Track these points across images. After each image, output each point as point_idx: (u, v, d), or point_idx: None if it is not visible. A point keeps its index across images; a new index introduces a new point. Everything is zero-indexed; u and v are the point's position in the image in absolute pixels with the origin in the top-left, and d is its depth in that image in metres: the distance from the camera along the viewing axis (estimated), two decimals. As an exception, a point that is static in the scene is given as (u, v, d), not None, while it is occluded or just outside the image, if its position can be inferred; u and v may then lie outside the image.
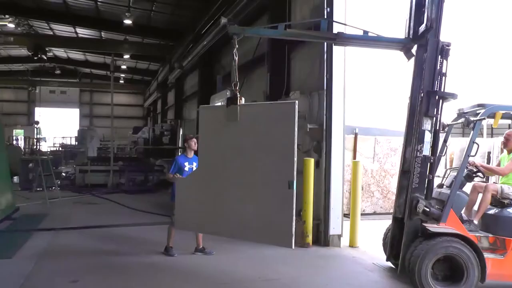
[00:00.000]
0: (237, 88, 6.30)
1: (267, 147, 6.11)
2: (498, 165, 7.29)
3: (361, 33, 6.74)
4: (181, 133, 24.05)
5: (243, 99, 6.22)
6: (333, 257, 7.95)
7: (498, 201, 6.65)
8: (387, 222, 11.51)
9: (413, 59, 6.75)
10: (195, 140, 7.81)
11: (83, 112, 48.23)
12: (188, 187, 6.90)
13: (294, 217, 5.79)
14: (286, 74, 10.69)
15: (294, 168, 5.86)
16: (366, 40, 6.82)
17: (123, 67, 33.73)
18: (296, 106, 5.91)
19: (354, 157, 11.30)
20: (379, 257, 7.81)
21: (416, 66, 6.69)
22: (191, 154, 7.77)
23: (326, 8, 8.62)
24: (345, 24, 7.33)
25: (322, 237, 8.60)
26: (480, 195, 6.80)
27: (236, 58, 6.31)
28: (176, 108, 27.36)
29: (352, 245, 8.59)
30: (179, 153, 16.79)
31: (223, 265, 7.34)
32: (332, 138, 8.59)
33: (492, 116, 6.51)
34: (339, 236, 8.62)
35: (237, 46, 6.35)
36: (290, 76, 10.68)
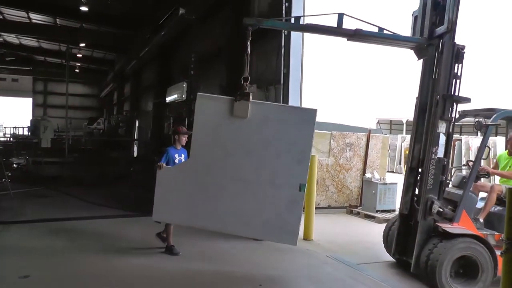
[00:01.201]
0: (248, 83, 6.24)
1: (279, 149, 6.22)
2: (496, 165, 7.62)
3: (376, 30, 6.62)
4: (137, 124, 23.77)
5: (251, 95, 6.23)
6: (288, 250, 7.97)
7: (502, 200, 6.89)
8: (342, 215, 11.88)
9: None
10: (186, 136, 7.48)
11: (37, 101, 46.97)
12: (173, 178, 6.70)
13: (301, 217, 6.23)
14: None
15: (307, 172, 6.27)
16: (382, 38, 6.71)
17: (79, 55, 32.88)
18: (316, 113, 6.20)
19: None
20: (333, 249, 7.96)
21: (426, 65, 6.79)
22: (179, 147, 7.48)
23: (285, 3, 8.67)
24: (360, 20, 6.82)
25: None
26: (481, 194, 7.20)
27: (249, 51, 6.28)
28: (132, 99, 27.00)
29: (306, 238, 8.69)
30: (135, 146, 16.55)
31: (177, 259, 7.23)
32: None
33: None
34: (294, 229, 8.72)
35: (250, 37, 6.31)
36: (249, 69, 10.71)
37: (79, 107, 42.66)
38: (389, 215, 11.42)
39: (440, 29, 6.57)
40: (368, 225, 11.00)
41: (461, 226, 6.51)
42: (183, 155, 7.38)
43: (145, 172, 13.68)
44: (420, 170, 6.86)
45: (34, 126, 29.34)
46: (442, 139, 6.58)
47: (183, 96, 14.21)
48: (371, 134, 12.61)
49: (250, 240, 8.34)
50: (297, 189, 6.18)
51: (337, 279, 6.67)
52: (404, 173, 8.06)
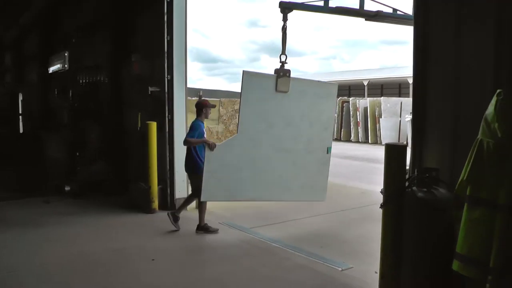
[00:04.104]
0: (286, 60, 6.94)
1: (312, 119, 7.21)
2: None
3: (390, 10, 7.56)
4: (20, 98, 22.28)
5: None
6: (180, 221, 7.97)
7: None
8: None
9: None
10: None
11: None
12: (221, 154, 6.86)
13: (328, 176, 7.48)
14: (129, 35, 10.28)
15: (331, 136, 7.64)
16: (399, 18, 7.62)
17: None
18: (337, 87, 7.62)
19: (199, 119, 11.37)
20: (226, 216, 8.03)
21: None
22: (204, 120, 7.23)
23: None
24: (378, 2, 7.62)
25: (168, 201, 8.60)
26: None
27: (287, 32, 6.94)
28: (14, 70, 25.19)
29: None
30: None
31: (66, 242, 6.83)
32: (174, 101, 8.54)
33: None
34: (185, 198, 8.68)
35: (287, 19, 6.92)
36: (134, 37, 10.28)
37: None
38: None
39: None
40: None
41: None
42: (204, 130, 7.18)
43: (32, 149, 12.88)
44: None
45: None
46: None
47: (66, 66, 13.47)
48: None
49: (141, 213, 8.21)
50: (325, 152, 7.36)
51: (230, 244, 6.77)
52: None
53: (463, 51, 4.38)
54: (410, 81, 6.32)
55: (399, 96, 32.74)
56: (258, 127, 7.00)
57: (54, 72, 15.09)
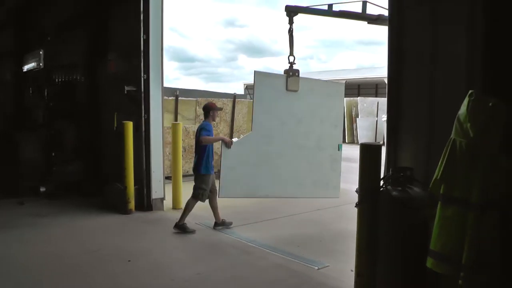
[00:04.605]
0: (294, 61, 7.34)
1: (322, 116, 7.47)
2: None
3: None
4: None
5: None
6: (156, 221, 7.94)
7: None
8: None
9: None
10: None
11: None
12: (237, 152, 7.23)
13: (341, 173, 7.66)
14: (105, 34, 10.17)
15: (341, 134, 7.85)
16: None
17: None
18: (344, 86, 8.02)
19: (176, 119, 11.30)
20: (203, 216, 7.99)
21: None
22: (211, 122, 7.49)
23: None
24: (379, 6, 7.69)
25: (145, 202, 8.53)
26: None
27: (293, 34, 7.29)
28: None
29: (175, 207, 8.67)
30: None
31: (41, 242, 6.77)
32: (151, 100, 8.49)
33: None
34: (162, 199, 8.66)
35: (293, 22, 7.29)
36: (110, 36, 10.18)
37: None
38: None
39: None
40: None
41: None
42: None
43: (6, 150, 12.63)
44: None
45: None
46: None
47: (41, 64, 13.25)
48: (236, 99, 12.76)
49: (117, 214, 8.15)
50: (336, 149, 7.62)
51: (206, 245, 6.74)
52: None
53: (437, 52, 4.43)
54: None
55: (376, 96, 32.99)
56: (271, 124, 7.39)
57: (29, 71, 14.84)
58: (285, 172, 7.45)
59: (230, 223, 7.51)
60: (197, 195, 7.24)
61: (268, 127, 7.38)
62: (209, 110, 7.39)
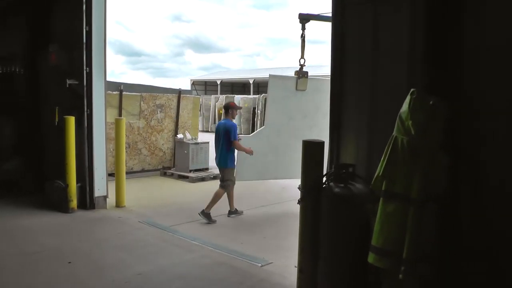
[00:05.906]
0: (304, 64, 7.96)
1: (325, 111, 7.40)
2: None
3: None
4: None
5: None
6: (99, 220, 7.73)
7: None
8: (156, 178, 11.87)
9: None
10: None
11: None
12: (251, 143, 8.31)
13: None
14: (47, 24, 9.77)
15: None
16: None
17: None
18: None
19: (120, 115, 11.04)
20: (147, 214, 7.87)
21: None
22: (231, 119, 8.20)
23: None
24: None
25: (87, 200, 8.28)
26: None
27: (305, 40, 7.73)
28: None
29: (119, 205, 8.47)
30: None
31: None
32: (93, 95, 8.23)
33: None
34: (105, 197, 8.42)
35: (305, 29, 7.74)
36: (52, 26, 9.79)
37: None
38: (203, 174, 11.69)
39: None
40: (182, 186, 11.15)
41: None
42: None
43: None
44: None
45: None
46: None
47: (-24, 55, 12.65)
48: (181, 95, 12.61)
49: (58, 213, 7.90)
50: None
51: (149, 244, 6.61)
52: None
53: (379, 49, 4.48)
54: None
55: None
56: (280, 120, 8.62)
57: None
58: (290, 159, 8.33)
59: (242, 212, 8.26)
60: (226, 186, 7.94)
61: (278, 123, 8.62)
62: (228, 109, 8.18)
